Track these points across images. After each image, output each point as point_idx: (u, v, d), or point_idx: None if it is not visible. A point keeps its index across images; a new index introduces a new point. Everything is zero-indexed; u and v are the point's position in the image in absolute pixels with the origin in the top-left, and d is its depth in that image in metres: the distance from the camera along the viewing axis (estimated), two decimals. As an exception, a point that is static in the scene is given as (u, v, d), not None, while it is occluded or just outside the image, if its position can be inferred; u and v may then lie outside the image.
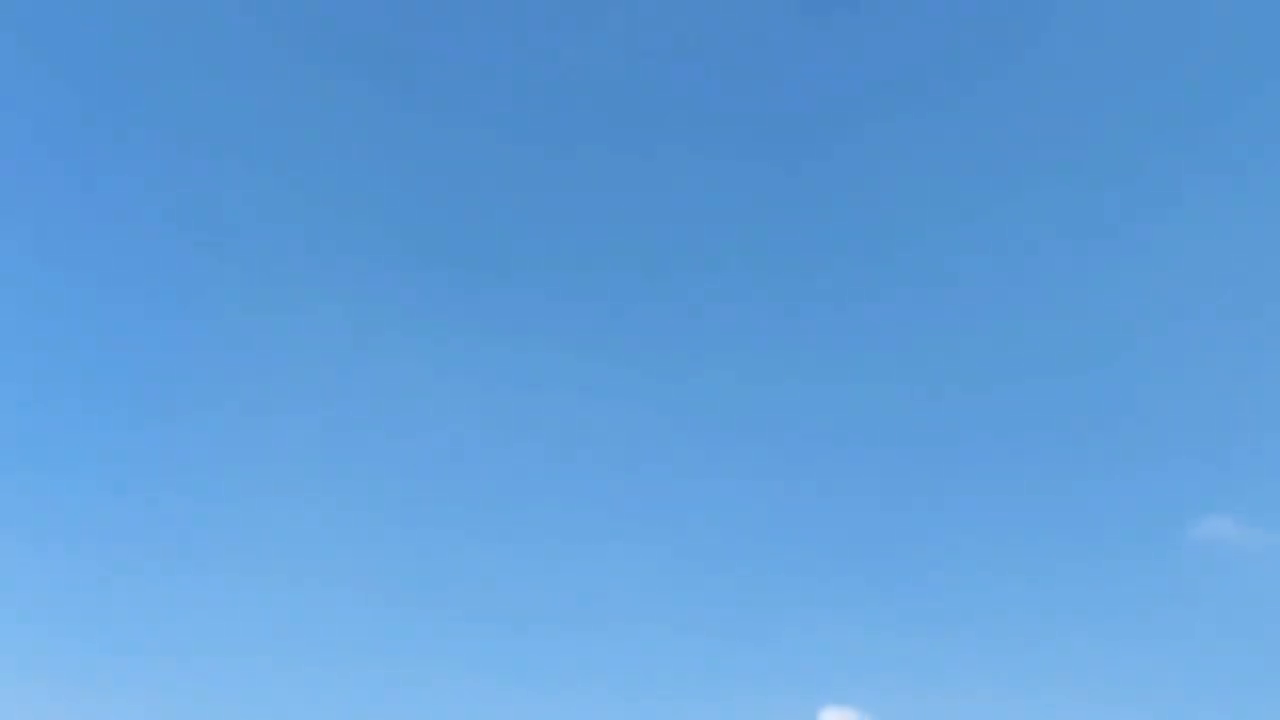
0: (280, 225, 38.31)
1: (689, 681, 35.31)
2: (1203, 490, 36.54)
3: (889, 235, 41.08)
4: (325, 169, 39.24)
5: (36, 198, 35.56)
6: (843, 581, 38.49)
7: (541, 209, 39.70)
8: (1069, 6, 35.95)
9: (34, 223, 35.66)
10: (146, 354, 37.79)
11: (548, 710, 34.71)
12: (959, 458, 41.94)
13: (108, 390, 36.78)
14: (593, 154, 39.30)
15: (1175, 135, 37.83)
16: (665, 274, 42.22)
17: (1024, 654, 36.65)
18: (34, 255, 35.99)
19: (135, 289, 38.28)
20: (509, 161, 38.12)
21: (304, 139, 37.38)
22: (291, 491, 35.89)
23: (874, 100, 36.82)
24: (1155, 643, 36.03)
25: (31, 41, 34.15)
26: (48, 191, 35.36)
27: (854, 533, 39.61)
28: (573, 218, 39.74)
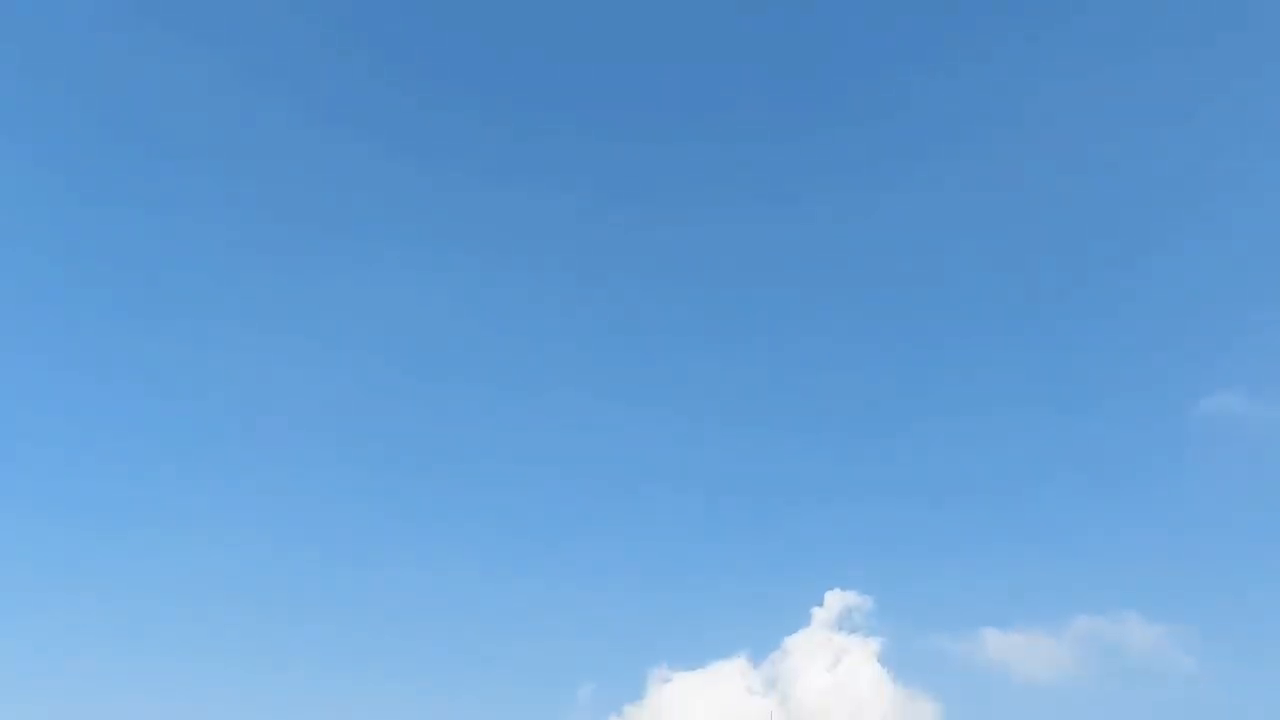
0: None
1: (703, 570, 36.06)
2: (1213, 366, 37.20)
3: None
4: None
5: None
6: (847, 470, 39.02)
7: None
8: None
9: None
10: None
11: (566, 595, 35.11)
12: (967, 333, 41.93)
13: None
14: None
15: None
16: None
17: (1027, 530, 36.92)
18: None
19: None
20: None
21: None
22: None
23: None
24: (1164, 515, 36.30)
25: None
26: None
27: (857, 421, 40.06)
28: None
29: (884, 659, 52.15)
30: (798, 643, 50.95)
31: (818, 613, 52.33)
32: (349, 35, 51.44)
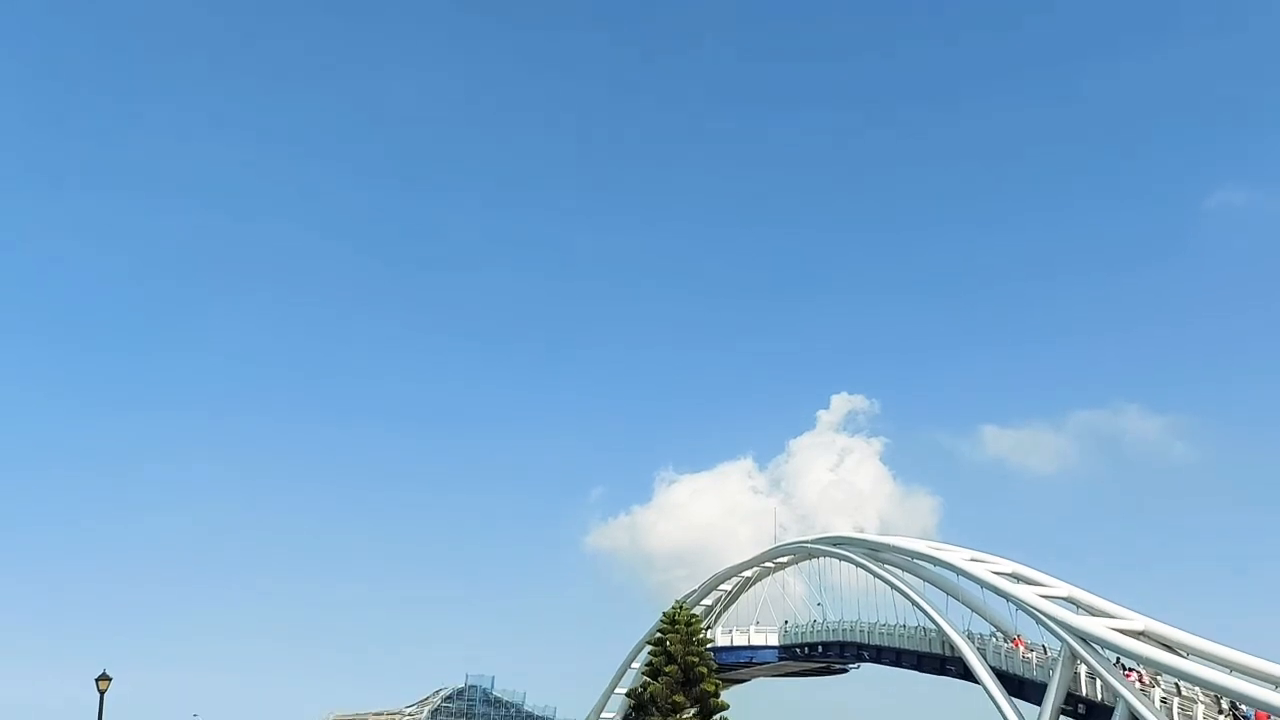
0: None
1: (708, 374, 39.96)
2: (1219, 161, 39.68)
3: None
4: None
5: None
6: (852, 275, 42.02)
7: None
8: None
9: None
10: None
11: (574, 401, 38.70)
12: (978, 134, 44.09)
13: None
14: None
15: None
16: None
17: (1029, 326, 40.42)
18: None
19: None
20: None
21: None
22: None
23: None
24: (1165, 308, 39.60)
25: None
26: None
27: (862, 226, 42.71)
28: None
29: (886, 458, 53.27)
30: (802, 444, 51.67)
31: (823, 415, 52.94)
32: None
